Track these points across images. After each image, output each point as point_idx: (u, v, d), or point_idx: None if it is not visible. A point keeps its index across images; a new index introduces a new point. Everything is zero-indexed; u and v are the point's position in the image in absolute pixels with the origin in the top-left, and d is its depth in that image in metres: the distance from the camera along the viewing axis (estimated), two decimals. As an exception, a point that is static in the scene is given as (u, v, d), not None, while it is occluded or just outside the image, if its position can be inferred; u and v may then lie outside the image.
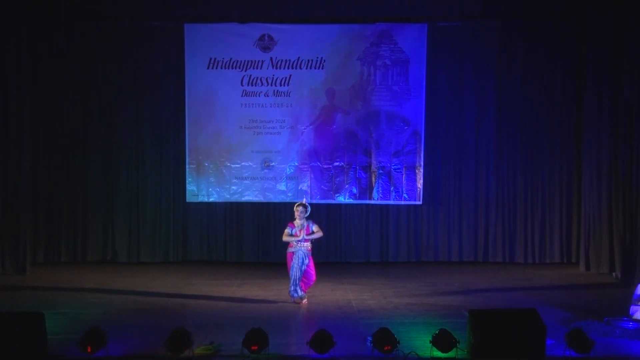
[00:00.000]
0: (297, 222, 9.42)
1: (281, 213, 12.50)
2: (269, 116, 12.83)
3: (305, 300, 9.45)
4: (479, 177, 12.98)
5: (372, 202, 12.94)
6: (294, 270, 9.31)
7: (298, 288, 9.33)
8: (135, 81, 12.83)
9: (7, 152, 11.45)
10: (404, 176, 12.86)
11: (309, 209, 9.57)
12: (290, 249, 9.41)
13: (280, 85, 12.81)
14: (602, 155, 11.67)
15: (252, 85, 12.81)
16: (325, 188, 12.88)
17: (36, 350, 6.66)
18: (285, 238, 9.44)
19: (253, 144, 12.86)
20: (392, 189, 12.87)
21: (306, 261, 9.36)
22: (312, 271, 9.43)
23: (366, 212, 13.08)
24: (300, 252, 9.35)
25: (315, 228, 9.45)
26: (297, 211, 9.42)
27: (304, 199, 9.99)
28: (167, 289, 10.49)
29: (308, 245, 9.41)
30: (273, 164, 12.87)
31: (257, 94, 12.84)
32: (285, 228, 9.55)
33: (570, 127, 12.77)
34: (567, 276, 11.80)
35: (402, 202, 12.91)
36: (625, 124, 11.15)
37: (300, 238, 9.34)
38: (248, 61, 12.80)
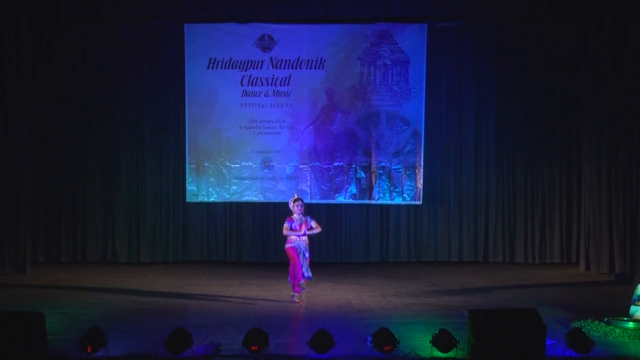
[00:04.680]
0: (296, 217, 9.42)
1: (281, 213, 12.43)
2: (269, 116, 12.84)
3: (302, 297, 9.51)
4: (479, 177, 12.99)
5: (372, 202, 12.95)
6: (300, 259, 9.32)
7: (308, 269, 9.33)
8: (135, 81, 12.84)
9: (7, 152, 11.44)
10: (404, 176, 12.86)
11: (305, 203, 9.60)
12: (289, 244, 9.39)
13: (280, 85, 12.81)
14: (602, 155, 11.66)
15: (252, 85, 12.82)
16: (325, 188, 12.88)
17: (36, 350, 6.65)
18: (286, 232, 9.42)
19: (253, 144, 12.86)
20: (392, 189, 12.87)
21: (306, 255, 9.38)
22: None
23: (366, 212, 13.08)
24: (301, 245, 9.36)
25: (314, 224, 9.46)
26: (296, 206, 9.41)
27: (296, 194, 9.99)
28: (167, 289, 10.48)
29: (306, 239, 9.42)
30: (273, 164, 12.87)
31: (257, 94, 12.84)
32: (284, 223, 9.53)
33: (570, 127, 12.78)
34: (567, 276, 11.80)
35: (402, 202, 12.91)
36: (625, 124, 11.14)
37: (301, 233, 9.34)
38: (248, 61, 12.80)
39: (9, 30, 11.35)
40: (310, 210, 9.74)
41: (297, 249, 9.33)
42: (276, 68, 12.81)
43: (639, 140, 10.85)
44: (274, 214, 12.89)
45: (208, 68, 12.78)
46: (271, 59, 12.80)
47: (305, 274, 9.35)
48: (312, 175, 12.88)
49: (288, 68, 12.81)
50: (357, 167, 12.89)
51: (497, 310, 7.48)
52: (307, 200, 12.39)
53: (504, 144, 12.92)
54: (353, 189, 12.89)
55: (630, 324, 7.90)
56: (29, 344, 6.64)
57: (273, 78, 12.82)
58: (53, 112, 12.75)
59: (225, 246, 13.09)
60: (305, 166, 12.88)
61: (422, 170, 12.83)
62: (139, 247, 12.93)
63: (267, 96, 12.84)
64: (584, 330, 7.10)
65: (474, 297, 9.92)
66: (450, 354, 6.88)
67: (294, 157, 12.89)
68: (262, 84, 12.82)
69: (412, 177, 12.86)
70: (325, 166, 12.89)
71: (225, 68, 12.81)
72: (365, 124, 12.86)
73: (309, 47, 12.78)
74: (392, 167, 12.86)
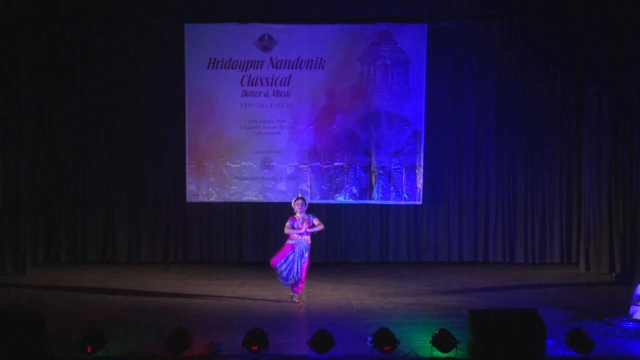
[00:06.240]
0: (298, 215, 9.41)
1: (281, 213, 12.44)
2: (269, 116, 12.84)
3: (302, 297, 9.52)
4: (479, 177, 12.98)
5: (372, 202, 12.94)
6: (292, 263, 9.29)
7: (292, 278, 9.33)
8: (136, 81, 12.83)
9: (7, 152, 11.45)
10: (404, 176, 12.86)
11: (307, 202, 9.60)
12: (290, 241, 9.39)
13: (280, 85, 12.81)
14: (602, 155, 11.66)
15: (252, 85, 12.81)
16: (325, 188, 12.88)
17: (36, 350, 6.66)
18: (287, 230, 9.41)
19: (253, 144, 12.86)
20: (392, 189, 12.87)
21: (305, 255, 9.36)
22: (304, 271, 9.40)
23: (366, 212, 13.08)
24: (301, 245, 9.35)
25: (316, 221, 9.45)
26: (297, 205, 9.41)
27: (300, 193, 10.04)
28: (167, 289, 10.49)
29: (308, 239, 9.42)
30: (273, 164, 12.87)
31: (257, 94, 12.84)
32: (286, 222, 9.51)
33: (570, 127, 12.78)
34: (567, 276, 11.81)
35: (402, 202, 12.91)
36: (625, 124, 11.15)
37: (302, 231, 9.34)
38: (248, 61, 12.80)
39: (9, 30, 11.35)
40: (310, 210, 9.75)
41: (295, 248, 9.33)
42: (276, 68, 12.81)
43: (639, 140, 10.86)
44: (274, 214, 12.90)
45: (208, 68, 12.78)
46: (271, 59, 12.80)
47: (279, 263, 9.32)
48: (312, 175, 12.88)
49: (288, 68, 12.81)
50: (357, 167, 12.89)
51: (497, 310, 7.49)
52: (307, 200, 12.34)
53: (504, 144, 12.92)
54: (353, 188, 12.89)
55: (630, 324, 7.90)
56: (29, 344, 6.65)
57: (273, 78, 12.82)
58: (53, 112, 12.74)
59: (225, 246, 13.08)
60: (305, 166, 12.88)
61: (422, 170, 12.83)
62: (139, 247, 12.92)
63: (267, 96, 12.84)
64: (584, 330, 7.10)
65: (474, 297, 9.93)
66: (450, 354, 6.89)
67: (294, 157, 12.89)
68: (262, 84, 12.82)
69: (412, 177, 12.86)
70: (325, 166, 12.89)
71: (225, 68, 12.80)
72: (365, 124, 12.86)
73: (309, 47, 12.78)
74: (392, 167, 12.86)
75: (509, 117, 12.88)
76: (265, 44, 12.80)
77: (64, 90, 12.75)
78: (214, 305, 9.36)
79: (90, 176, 12.85)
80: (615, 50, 11.33)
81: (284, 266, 9.35)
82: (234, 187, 12.90)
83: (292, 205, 9.50)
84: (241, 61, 12.81)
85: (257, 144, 12.86)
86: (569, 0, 12.33)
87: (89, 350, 6.75)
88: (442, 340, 6.90)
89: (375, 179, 12.88)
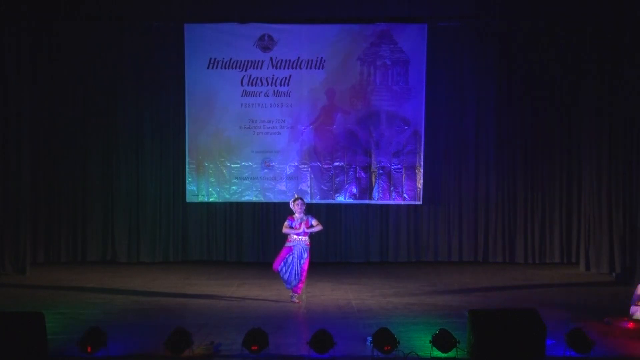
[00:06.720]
0: (297, 215, 9.40)
1: (281, 213, 12.44)
2: (269, 116, 12.83)
3: (302, 297, 9.52)
4: (479, 177, 12.99)
5: (372, 202, 12.94)
6: (292, 265, 9.29)
7: (293, 280, 9.35)
8: (136, 81, 12.84)
9: (7, 151, 11.45)
10: (404, 176, 12.86)
11: (306, 202, 9.60)
12: (289, 243, 9.38)
13: (280, 85, 12.81)
14: (602, 155, 11.66)
15: (252, 85, 12.81)
16: (325, 188, 12.88)
17: (36, 350, 6.66)
18: (285, 230, 9.40)
19: (253, 144, 12.86)
20: (392, 189, 12.87)
21: (304, 255, 9.34)
22: (304, 271, 9.39)
23: (366, 212, 13.08)
24: (300, 246, 9.34)
25: (314, 222, 9.43)
26: (296, 205, 9.38)
27: (296, 194, 10.04)
28: (167, 289, 10.49)
29: (307, 239, 9.39)
30: (273, 164, 12.87)
31: (257, 94, 12.84)
32: (284, 222, 9.51)
33: (570, 127, 12.78)
34: (567, 276, 11.80)
35: (402, 202, 12.91)
36: (625, 125, 11.14)
37: (300, 231, 9.32)
38: (248, 61, 12.80)
39: (9, 31, 11.34)
40: (310, 210, 9.77)
41: (293, 250, 9.32)
42: (276, 68, 12.81)
43: (638, 140, 10.86)
44: (274, 214, 12.90)
45: (208, 68, 12.78)
46: (271, 59, 12.80)
47: (279, 266, 9.32)
48: (312, 175, 12.88)
49: (288, 68, 12.80)
50: (357, 167, 12.89)
51: (497, 310, 7.49)
52: (307, 200, 12.34)
53: (504, 144, 12.92)
54: (353, 188, 12.89)
55: (630, 324, 7.90)
56: (29, 344, 6.65)
57: (273, 78, 12.82)
58: (53, 112, 12.74)
59: (225, 246, 13.08)
60: (305, 166, 12.88)
61: (422, 170, 12.83)
62: (139, 247, 12.92)
63: (267, 96, 12.84)
64: (584, 330, 7.10)
65: (474, 297, 9.93)
66: (450, 354, 6.89)
67: (294, 157, 12.88)
68: (262, 84, 12.81)
69: (412, 177, 12.86)
70: (325, 166, 12.89)
71: (225, 68, 12.80)
72: (365, 124, 12.86)
73: (309, 47, 12.78)
74: (392, 167, 12.85)
75: (509, 117, 12.88)
76: (265, 44, 12.80)
77: (64, 90, 12.74)
78: (214, 305, 9.36)
79: (90, 176, 12.85)
80: (615, 50, 11.33)
81: (284, 269, 9.35)
82: (234, 187, 12.90)
83: (291, 206, 9.48)
84: (241, 61, 12.80)
85: (257, 144, 12.86)
86: (569, 1, 12.32)
87: (89, 350, 6.75)
88: (442, 340, 6.90)
89: (375, 179, 12.88)
